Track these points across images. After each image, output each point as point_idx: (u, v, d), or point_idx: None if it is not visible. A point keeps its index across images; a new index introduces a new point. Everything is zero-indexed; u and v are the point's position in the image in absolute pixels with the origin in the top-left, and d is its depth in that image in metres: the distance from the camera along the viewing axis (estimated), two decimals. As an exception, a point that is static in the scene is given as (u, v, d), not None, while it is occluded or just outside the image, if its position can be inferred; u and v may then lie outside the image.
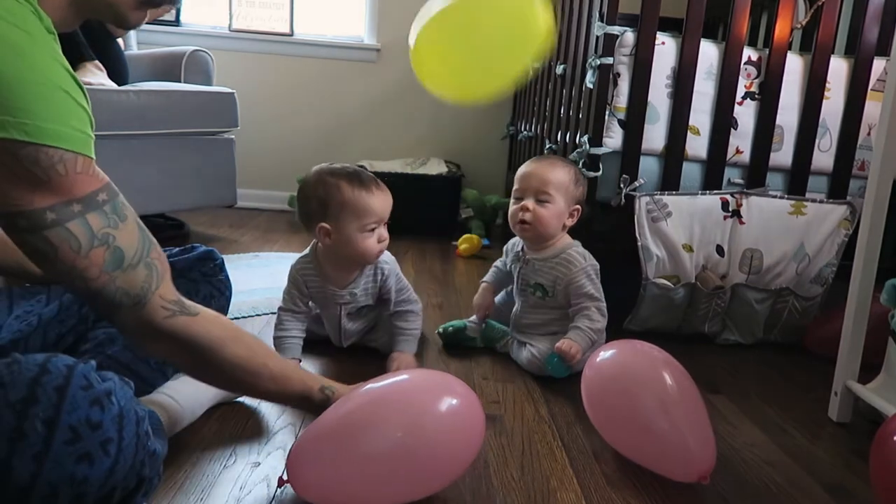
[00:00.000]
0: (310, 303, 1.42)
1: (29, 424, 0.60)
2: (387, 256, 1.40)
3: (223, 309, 1.20)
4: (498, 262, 1.59)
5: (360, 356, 1.45)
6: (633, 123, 1.61)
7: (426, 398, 0.91)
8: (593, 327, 1.35)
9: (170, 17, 3.03)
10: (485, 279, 1.59)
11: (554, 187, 1.37)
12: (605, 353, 1.11)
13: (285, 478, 0.87)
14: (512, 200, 1.43)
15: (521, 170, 1.42)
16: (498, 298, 1.59)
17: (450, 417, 0.89)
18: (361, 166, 2.85)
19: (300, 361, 1.36)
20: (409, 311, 1.42)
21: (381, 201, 1.31)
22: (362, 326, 1.46)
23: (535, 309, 1.45)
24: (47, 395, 0.62)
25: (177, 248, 1.17)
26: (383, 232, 1.33)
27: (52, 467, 0.60)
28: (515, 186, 1.42)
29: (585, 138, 1.63)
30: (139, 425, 0.69)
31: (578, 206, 1.41)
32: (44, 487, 0.60)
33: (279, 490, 0.93)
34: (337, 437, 0.87)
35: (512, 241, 1.53)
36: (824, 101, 1.68)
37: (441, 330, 1.54)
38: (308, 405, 1.00)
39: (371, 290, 1.40)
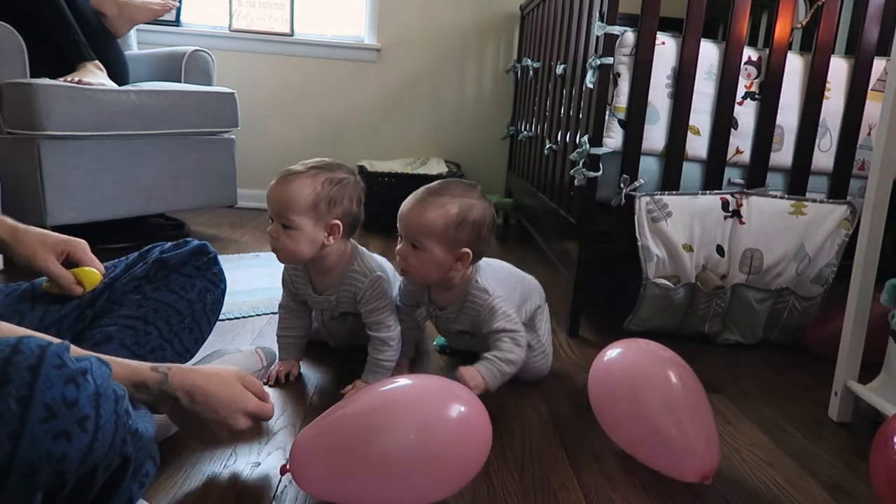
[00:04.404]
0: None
1: (3, 404, 0.59)
2: (366, 271, 1.28)
3: (218, 301, 1.21)
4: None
5: (361, 359, 1.44)
6: (634, 123, 1.61)
7: (436, 403, 0.90)
8: (503, 357, 1.20)
9: (170, 17, 3.02)
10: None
11: (425, 235, 1.17)
12: (612, 352, 1.12)
13: (288, 467, 0.87)
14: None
15: (404, 204, 1.22)
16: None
17: (461, 424, 0.89)
18: (361, 166, 2.89)
19: (299, 361, 1.36)
20: (377, 339, 1.28)
21: (273, 192, 1.21)
22: (349, 330, 1.41)
23: (475, 341, 1.32)
24: (20, 375, 0.61)
25: (170, 244, 1.18)
26: (272, 229, 1.21)
27: (28, 445, 0.59)
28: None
29: (586, 138, 1.63)
30: (118, 403, 0.68)
31: (468, 251, 1.19)
32: (22, 466, 0.59)
33: (279, 490, 0.93)
34: (346, 433, 0.87)
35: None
36: (824, 101, 1.68)
37: (437, 345, 1.53)
38: (146, 392, 0.85)
39: (350, 300, 1.30)
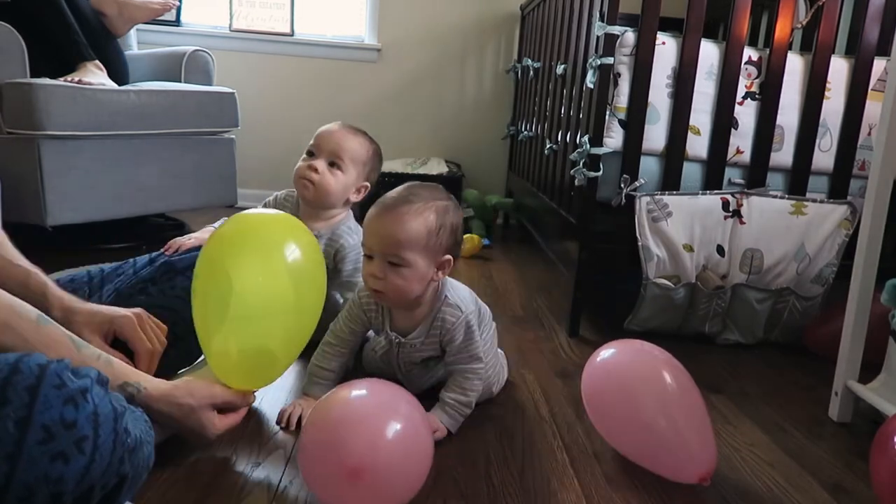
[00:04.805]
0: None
1: (1, 426, 0.60)
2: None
3: None
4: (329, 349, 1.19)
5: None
6: (634, 123, 1.61)
7: (382, 418, 0.86)
8: (466, 401, 1.13)
9: (170, 16, 3.02)
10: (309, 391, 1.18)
11: (407, 248, 1.06)
12: (606, 353, 1.11)
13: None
14: (364, 252, 1.12)
15: (370, 218, 1.10)
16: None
17: (401, 443, 0.85)
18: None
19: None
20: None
21: (327, 130, 1.40)
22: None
23: (432, 371, 1.22)
24: (18, 396, 0.61)
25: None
26: (318, 163, 1.37)
27: (25, 468, 0.60)
28: (363, 239, 1.11)
29: (586, 138, 1.63)
30: (117, 422, 0.68)
31: (449, 258, 1.11)
32: (19, 488, 0.60)
33: (280, 490, 0.93)
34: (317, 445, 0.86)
35: (365, 299, 1.18)
36: (825, 101, 1.68)
37: None
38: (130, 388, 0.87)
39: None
